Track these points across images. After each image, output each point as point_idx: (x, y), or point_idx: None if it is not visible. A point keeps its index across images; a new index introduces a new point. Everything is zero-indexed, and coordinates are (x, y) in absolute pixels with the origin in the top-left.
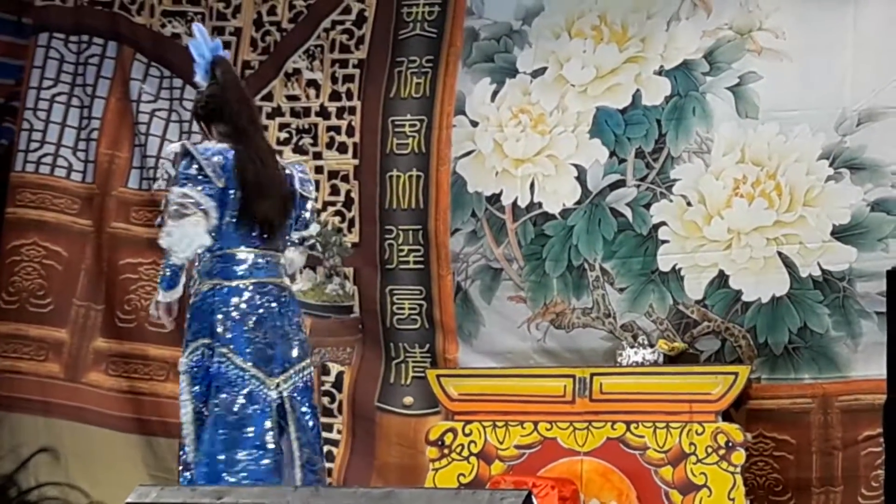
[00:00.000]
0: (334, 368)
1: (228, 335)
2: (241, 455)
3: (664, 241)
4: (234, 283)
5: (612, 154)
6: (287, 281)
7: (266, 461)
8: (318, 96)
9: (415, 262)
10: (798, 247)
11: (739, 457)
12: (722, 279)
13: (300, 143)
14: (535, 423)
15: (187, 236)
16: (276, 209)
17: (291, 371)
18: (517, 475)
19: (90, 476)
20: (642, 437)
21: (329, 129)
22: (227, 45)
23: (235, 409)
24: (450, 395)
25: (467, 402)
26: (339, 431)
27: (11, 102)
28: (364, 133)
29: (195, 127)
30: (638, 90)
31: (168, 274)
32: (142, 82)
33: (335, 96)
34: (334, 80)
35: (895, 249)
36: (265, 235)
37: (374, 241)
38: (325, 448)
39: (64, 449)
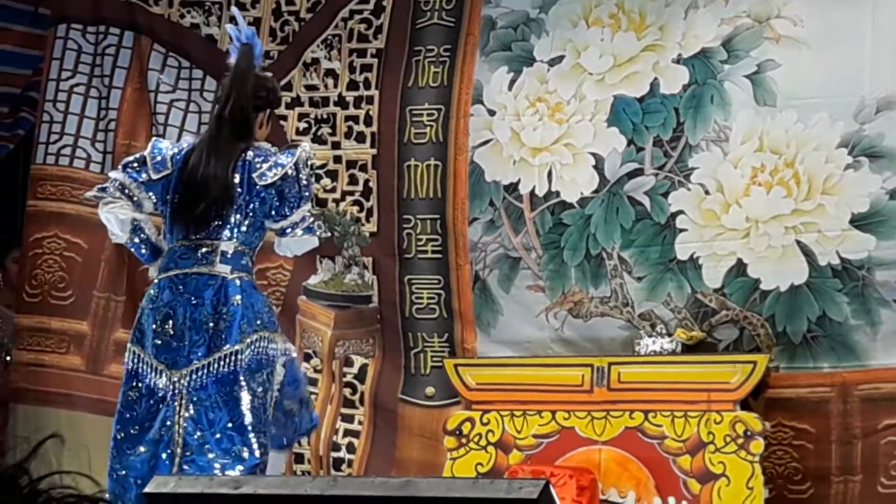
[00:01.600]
0: (358, 360)
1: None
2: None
3: (682, 230)
4: (158, 277)
5: (630, 143)
6: (221, 268)
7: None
8: (336, 86)
9: (433, 252)
10: (817, 235)
11: (758, 446)
12: (740, 268)
13: (319, 133)
14: (553, 413)
15: (107, 221)
16: (203, 206)
17: (196, 365)
18: (535, 464)
19: None
20: (660, 426)
21: (347, 118)
22: None
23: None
24: (468, 384)
25: (485, 392)
26: (360, 423)
27: (29, 93)
28: (382, 122)
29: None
30: (656, 78)
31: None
32: (160, 73)
33: (353, 86)
34: (352, 69)
35: None
36: (194, 229)
37: (392, 230)
38: (347, 440)
39: (86, 441)
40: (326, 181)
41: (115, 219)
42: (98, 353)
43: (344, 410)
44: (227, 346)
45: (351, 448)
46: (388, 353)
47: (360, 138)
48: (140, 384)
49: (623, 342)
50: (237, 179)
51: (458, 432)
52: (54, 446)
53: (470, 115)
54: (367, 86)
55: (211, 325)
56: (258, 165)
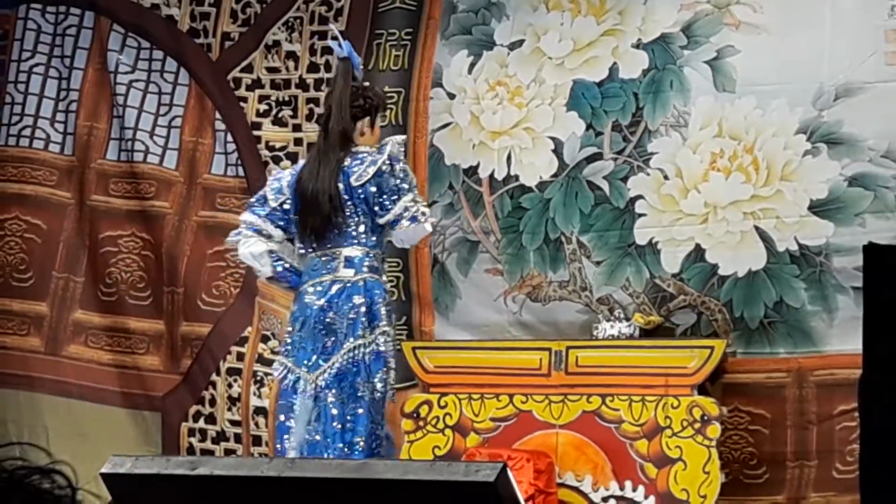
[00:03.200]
0: None
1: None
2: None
3: (641, 215)
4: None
5: (589, 127)
6: (345, 273)
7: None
8: (297, 68)
9: None
10: (775, 221)
11: (715, 430)
12: (698, 253)
13: (280, 116)
14: (511, 396)
15: (246, 260)
16: (318, 219)
17: (326, 364)
18: (492, 448)
19: (71, 450)
20: (618, 410)
21: (308, 101)
22: (205, 17)
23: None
24: (425, 367)
25: (443, 375)
26: None
27: None
28: None
29: (176, 100)
30: (615, 63)
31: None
32: (119, 53)
33: (313, 68)
34: (313, 51)
35: (872, 224)
36: (316, 241)
37: None
38: None
39: (45, 422)
40: (286, 163)
41: (251, 255)
42: (57, 334)
43: None
44: (349, 343)
45: None
46: None
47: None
48: (291, 391)
49: (581, 326)
50: (340, 187)
51: (415, 415)
52: (15, 427)
53: (430, 99)
54: (328, 68)
55: (337, 327)
56: (354, 169)
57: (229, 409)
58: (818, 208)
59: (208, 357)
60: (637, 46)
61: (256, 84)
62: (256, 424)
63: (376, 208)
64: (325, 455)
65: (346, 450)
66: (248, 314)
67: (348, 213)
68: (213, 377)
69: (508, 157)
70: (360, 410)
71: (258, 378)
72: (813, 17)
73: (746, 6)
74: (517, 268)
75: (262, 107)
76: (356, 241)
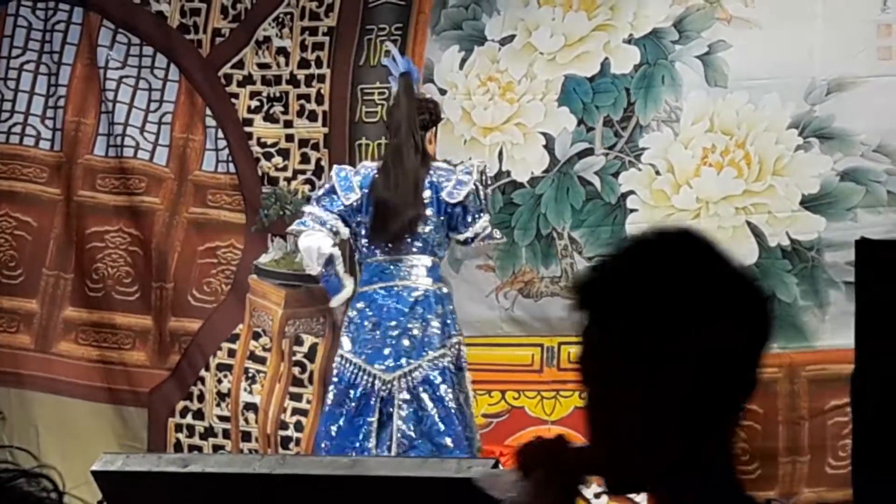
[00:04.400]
0: (308, 339)
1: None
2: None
3: (633, 210)
4: (362, 289)
5: (581, 122)
6: (423, 281)
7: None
8: (287, 64)
9: None
10: (767, 216)
11: None
12: None
13: (271, 112)
14: (503, 392)
15: (306, 252)
16: (399, 227)
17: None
18: (485, 444)
19: (61, 447)
20: None
21: (299, 97)
22: (196, 13)
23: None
24: None
25: None
26: (308, 401)
27: None
28: (333, 101)
29: (166, 96)
30: (606, 58)
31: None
32: (109, 49)
33: (304, 64)
34: (304, 47)
35: (864, 219)
36: (391, 247)
37: None
38: (295, 418)
39: (34, 420)
40: (278, 160)
41: (317, 252)
42: (47, 332)
43: (293, 389)
44: (431, 351)
45: (299, 426)
46: (337, 333)
47: (312, 117)
48: (353, 391)
49: (573, 322)
50: (426, 199)
51: None
52: (5, 425)
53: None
54: (319, 64)
55: (416, 332)
56: (444, 184)
57: (218, 405)
58: (810, 203)
59: (197, 353)
60: (629, 41)
61: (247, 80)
62: (246, 420)
63: (458, 225)
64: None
65: (436, 453)
66: (240, 311)
67: (431, 226)
68: (202, 373)
69: (500, 153)
70: (448, 415)
71: (249, 374)
72: (805, 12)
73: (738, 1)
74: (509, 264)
75: (254, 103)
76: (431, 251)
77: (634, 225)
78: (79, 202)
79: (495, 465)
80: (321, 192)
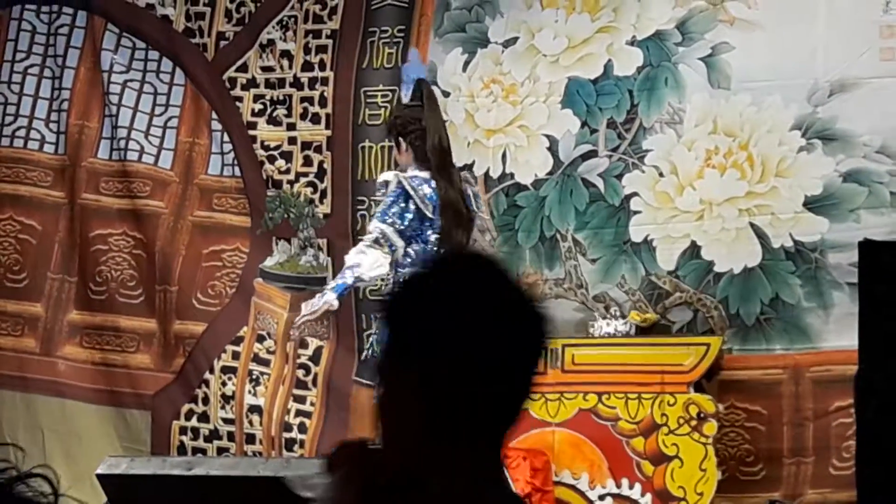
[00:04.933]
0: (313, 343)
1: None
2: None
3: (636, 212)
4: None
5: (584, 124)
6: None
7: None
8: (291, 67)
9: None
10: (770, 217)
11: (711, 427)
12: (694, 250)
13: (274, 115)
14: None
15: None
16: (465, 235)
17: None
18: None
19: (66, 450)
20: (614, 408)
21: (302, 100)
22: (200, 16)
23: None
24: None
25: None
26: (312, 404)
27: None
28: (336, 104)
29: (172, 100)
30: (610, 60)
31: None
32: (113, 53)
33: (308, 67)
34: (307, 50)
35: (867, 220)
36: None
37: (346, 212)
38: (298, 420)
39: (40, 423)
40: (281, 162)
41: (368, 269)
42: (52, 335)
43: (296, 391)
44: None
45: (302, 428)
46: (342, 336)
47: (315, 119)
48: None
49: (577, 324)
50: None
51: None
52: (10, 427)
53: None
54: (322, 67)
55: None
56: (469, 193)
57: (223, 408)
58: (813, 204)
59: (202, 356)
60: (632, 43)
61: (251, 83)
62: (250, 423)
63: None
64: None
65: None
66: (244, 314)
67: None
68: (207, 375)
69: (503, 155)
70: None
71: (254, 377)
72: (807, 13)
73: (741, 2)
74: (513, 266)
75: (257, 106)
76: None
77: (638, 227)
78: (82, 205)
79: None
80: (388, 207)
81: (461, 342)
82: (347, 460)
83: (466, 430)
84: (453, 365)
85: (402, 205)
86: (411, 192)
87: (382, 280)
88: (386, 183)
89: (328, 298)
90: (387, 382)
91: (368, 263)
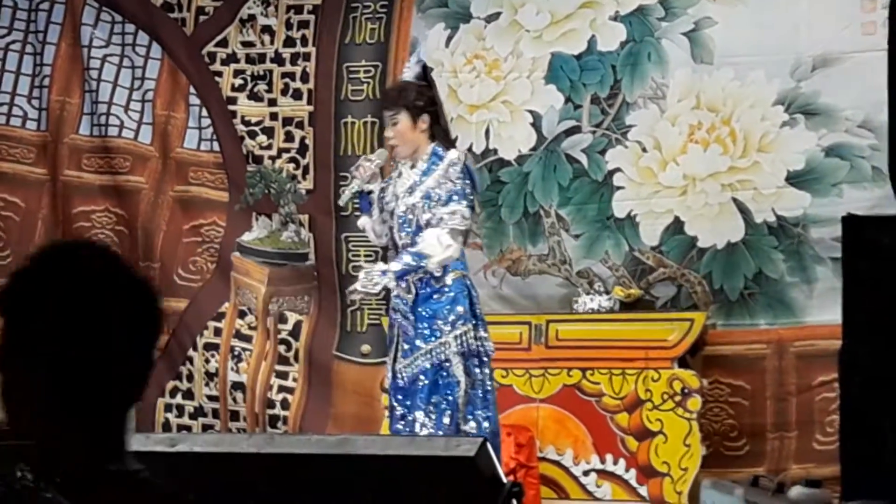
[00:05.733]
0: (292, 317)
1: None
2: None
3: (619, 188)
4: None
5: (568, 100)
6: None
7: None
8: (272, 42)
9: None
10: (753, 192)
11: (695, 403)
12: (677, 225)
13: (255, 90)
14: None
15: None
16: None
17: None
18: None
19: None
20: (598, 383)
21: (284, 75)
22: None
23: None
24: None
25: None
26: (294, 380)
27: None
28: (319, 79)
29: (148, 73)
30: (593, 36)
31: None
32: (93, 27)
33: (290, 42)
34: (289, 25)
35: (849, 195)
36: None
37: (328, 187)
38: (281, 396)
39: None
40: (262, 138)
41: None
42: None
43: (278, 367)
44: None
45: (285, 404)
46: (323, 311)
47: (297, 95)
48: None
49: (561, 300)
50: None
51: None
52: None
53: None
54: (304, 42)
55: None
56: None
57: (206, 385)
58: (795, 179)
59: (185, 333)
60: (615, 19)
61: (231, 58)
62: (234, 399)
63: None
64: None
65: None
66: (225, 289)
67: None
68: (191, 352)
69: (487, 131)
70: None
71: (236, 353)
72: None
73: None
74: (496, 242)
75: (238, 81)
76: None
77: (621, 202)
78: (65, 182)
79: (483, 444)
80: (467, 189)
81: (79, 328)
82: None
83: (91, 414)
84: (77, 351)
85: (470, 188)
86: (473, 176)
87: None
88: (440, 158)
89: (387, 282)
90: (9, 369)
91: (441, 259)
